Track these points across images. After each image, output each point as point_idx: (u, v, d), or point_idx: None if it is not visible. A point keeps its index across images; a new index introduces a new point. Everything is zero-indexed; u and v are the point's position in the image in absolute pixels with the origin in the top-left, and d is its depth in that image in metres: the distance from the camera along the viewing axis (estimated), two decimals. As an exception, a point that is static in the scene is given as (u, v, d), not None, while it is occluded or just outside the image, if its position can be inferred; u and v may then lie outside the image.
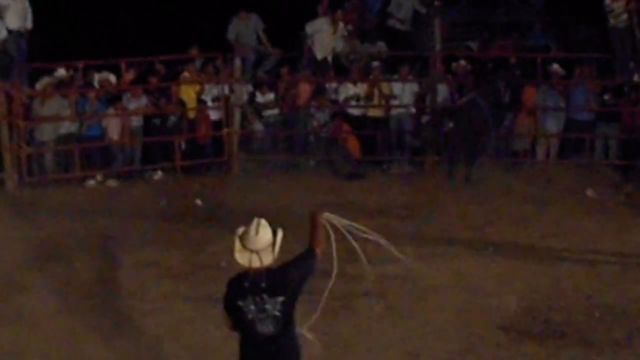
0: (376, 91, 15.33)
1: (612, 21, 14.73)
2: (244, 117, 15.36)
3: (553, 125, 15.01)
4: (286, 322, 5.56)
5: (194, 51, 15.50)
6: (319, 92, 15.51)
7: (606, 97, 14.74)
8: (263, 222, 5.61)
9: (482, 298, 9.34)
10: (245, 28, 15.39)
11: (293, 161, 15.14)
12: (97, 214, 12.49)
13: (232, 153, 15.03)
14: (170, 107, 14.89)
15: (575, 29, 17.40)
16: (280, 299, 5.49)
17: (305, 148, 15.41)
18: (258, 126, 15.43)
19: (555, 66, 15.03)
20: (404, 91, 15.34)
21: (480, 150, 14.16)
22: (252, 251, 5.52)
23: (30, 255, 10.77)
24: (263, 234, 5.56)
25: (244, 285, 5.54)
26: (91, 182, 14.23)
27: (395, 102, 15.36)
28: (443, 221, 12.09)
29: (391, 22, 17.29)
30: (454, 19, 17.91)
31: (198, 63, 15.63)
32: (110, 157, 14.60)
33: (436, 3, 17.13)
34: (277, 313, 5.49)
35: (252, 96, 15.48)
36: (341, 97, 15.47)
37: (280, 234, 5.62)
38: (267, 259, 5.55)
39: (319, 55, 15.65)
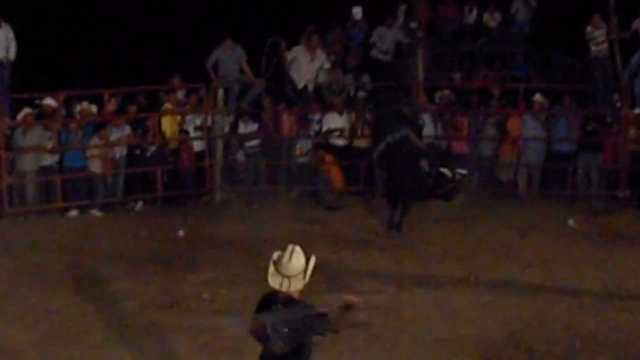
0: (361, 122, 15.33)
1: (593, 49, 14.81)
2: (226, 148, 15.36)
3: (534, 155, 15.05)
4: (294, 348, 5.84)
5: (176, 81, 15.51)
6: (302, 121, 15.55)
7: (589, 127, 14.79)
8: (297, 249, 5.92)
9: (465, 328, 9.32)
10: (228, 57, 15.40)
11: (275, 191, 15.12)
12: (78, 245, 12.43)
13: (214, 183, 15.01)
14: (154, 138, 14.85)
15: (557, 59, 17.51)
16: (285, 329, 5.78)
17: (287, 178, 15.41)
18: (240, 156, 15.43)
19: (538, 96, 15.11)
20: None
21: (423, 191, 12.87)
22: (284, 276, 5.87)
23: (6, 286, 10.68)
24: (296, 261, 5.89)
25: (271, 302, 5.91)
26: (73, 213, 14.16)
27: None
28: (425, 252, 12.10)
29: (374, 53, 17.41)
30: (437, 49, 18.01)
31: (180, 93, 15.65)
32: (93, 188, 14.53)
33: (419, 34, 17.28)
34: (285, 337, 5.79)
35: (234, 126, 15.48)
36: (325, 128, 15.44)
37: (312, 261, 5.94)
38: (297, 285, 5.91)
39: (299, 84, 15.68)
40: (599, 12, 14.64)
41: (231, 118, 15.56)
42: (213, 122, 15.14)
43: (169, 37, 19.22)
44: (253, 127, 15.42)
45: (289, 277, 5.88)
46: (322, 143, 15.24)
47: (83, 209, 14.25)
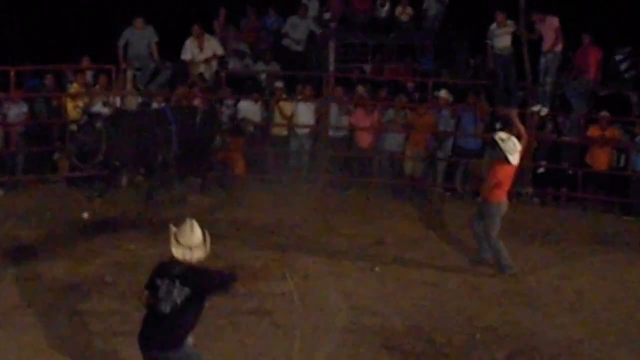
0: (277, 111, 15.34)
1: (496, 47, 14.99)
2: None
3: (441, 150, 15.22)
4: (183, 311, 6.45)
5: (85, 62, 15.27)
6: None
7: (497, 125, 15.00)
8: (195, 222, 6.59)
9: (368, 317, 9.41)
10: (138, 38, 15.23)
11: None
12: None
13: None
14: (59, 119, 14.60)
15: (465, 55, 17.71)
16: (187, 291, 6.40)
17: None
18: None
19: (443, 92, 15.27)
20: (303, 111, 15.38)
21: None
22: (187, 247, 6.48)
23: None
24: (196, 233, 6.54)
25: (168, 268, 6.51)
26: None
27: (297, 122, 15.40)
28: (332, 241, 12.15)
29: (286, 43, 17.42)
30: (349, 41, 18.09)
31: (89, 74, 15.41)
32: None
33: (332, 25, 17.33)
34: (178, 301, 6.39)
35: (146, 105, 15.20)
36: (240, 115, 15.33)
37: (208, 235, 6.60)
38: (200, 254, 6.55)
39: (194, 72, 15.62)
40: (507, 10, 14.82)
41: (139, 99, 15.37)
42: (123, 104, 14.92)
43: (80, 15, 18.85)
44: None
45: (191, 248, 6.47)
46: (233, 129, 15.16)
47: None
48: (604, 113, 14.47)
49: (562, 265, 11.46)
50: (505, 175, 10.87)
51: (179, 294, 6.42)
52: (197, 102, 15.07)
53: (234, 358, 8.42)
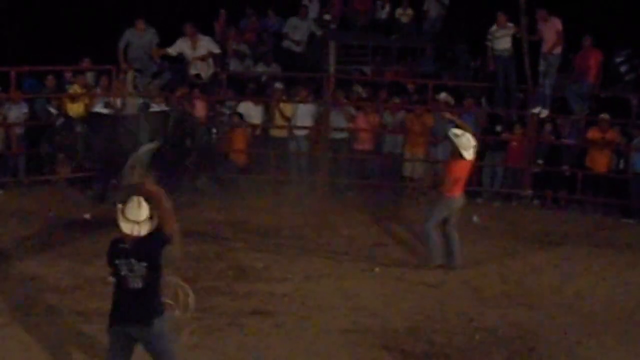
0: (277, 112, 15.38)
1: (496, 48, 14.99)
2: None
3: (441, 152, 15.23)
4: (151, 281, 6.79)
5: (85, 63, 15.29)
6: (214, 107, 15.53)
7: (498, 128, 15.04)
8: (142, 199, 6.85)
9: (368, 318, 9.43)
10: (139, 39, 15.24)
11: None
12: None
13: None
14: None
15: (466, 57, 17.74)
16: (144, 264, 6.73)
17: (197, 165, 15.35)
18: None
19: (444, 95, 15.29)
20: (302, 113, 15.39)
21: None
22: (134, 222, 6.79)
23: None
24: (143, 208, 6.82)
25: (119, 247, 6.83)
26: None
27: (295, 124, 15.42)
28: (332, 242, 12.20)
29: (286, 44, 17.45)
30: (349, 42, 18.12)
31: (90, 76, 15.44)
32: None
33: (332, 26, 17.37)
34: (143, 273, 6.73)
35: (146, 106, 15.23)
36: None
37: (155, 211, 6.84)
38: (145, 229, 6.81)
39: (192, 72, 15.62)
40: (508, 12, 14.84)
41: (140, 100, 15.38)
42: (123, 104, 14.93)
43: (80, 15, 18.88)
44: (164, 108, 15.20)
45: (138, 223, 6.78)
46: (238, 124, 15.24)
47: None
48: (604, 115, 14.49)
49: (561, 267, 11.48)
50: (461, 171, 11.02)
51: (139, 268, 6.75)
52: (197, 103, 15.13)
53: (235, 359, 8.44)
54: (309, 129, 15.36)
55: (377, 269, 11.08)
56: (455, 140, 10.86)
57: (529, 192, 14.71)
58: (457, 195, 11.08)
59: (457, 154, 10.91)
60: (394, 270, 11.07)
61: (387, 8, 18.31)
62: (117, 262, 6.81)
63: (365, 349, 8.73)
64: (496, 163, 15.01)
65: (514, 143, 14.88)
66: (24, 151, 14.55)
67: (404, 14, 18.15)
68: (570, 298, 10.38)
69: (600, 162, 14.48)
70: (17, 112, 14.46)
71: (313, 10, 18.01)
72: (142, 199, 6.86)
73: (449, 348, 8.84)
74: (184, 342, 8.43)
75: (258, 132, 15.57)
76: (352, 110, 15.36)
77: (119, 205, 6.90)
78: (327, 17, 17.98)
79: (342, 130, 15.31)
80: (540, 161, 14.77)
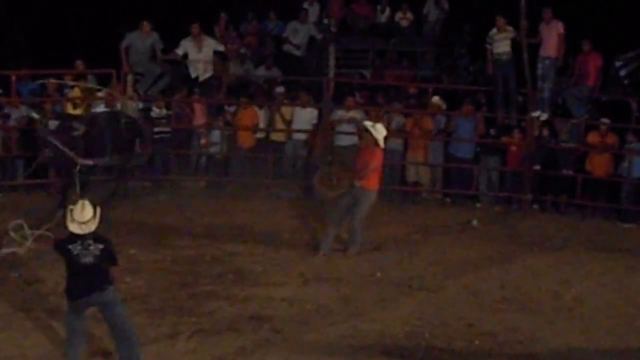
0: (278, 116, 15.35)
1: (496, 52, 14.98)
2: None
3: (437, 156, 15.23)
4: (100, 261, 7.73)
5: (79, 66, 15.25)
6: (214, 112, 15.52)
7: (492, 131, 15.03)
8: (86, 202, 7.78)
9: (367, 323, 9.40)
10: (142, 42, 15.20)
11: (182, 182, 15.06)
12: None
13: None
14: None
15: (465, 61, 17.74)
16: (101, 246, 7.73)
17: (197, 168, 15.35)
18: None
19: (436, 98, 15.27)
20: (299, 117, 15.36)
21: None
22: (80, 222, 7.67)
23: None
24: (87, 210, 7.70)
25: (75, 238, 7.69)
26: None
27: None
28: (331, 247, 12.14)
29: (287, 48, 17.45)
30: (349, 46, 18.11)
31: (91, 78, 15.41)
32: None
33: (332, 30, 17.35)
34: (97, 253, 7.70)
35: (147, 110, 15.21)
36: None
37: (98, 209, 7.78)
38: (91, 227, 7.72)
39: (192, 74, 15.59)
40: (508, 16, 14.83)
41: (140, 104, 15.35)
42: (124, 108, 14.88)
43: (81, 16, 18.90)
44: (164, 112, 15.18)
45: (85, 223, 7.66)
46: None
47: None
48: (604, 120, 14.47)
49: (561, 272, 11.46)
50: (379, 161, 11.57)
51: (95, 247, 7.70)
52: (198, 107, 15.14)
53: (234, 363, 8.43)
54: (307, 132, 15.30)
55: (378, 274, 11.04)
56: (372, 130, 11.37)
57: (529, 196, 14.67)
58: (377, 187, 11.62)
59: (372, 144, 11.41)
60: (393, 275, 11.03)
61: (387, 12, 18.33)
62: (70, 247, 7.69)
63: (364, 354, 8.70)
64: (491, 167, 14.98)
65: (514, 147, 14.85)
66: (22, 154, 14.50)
67: (404, 18, 18.17)
68: (570, 303, 10.35)
69: (600, 166, 14.46)
70: (17, 116, 14.42)
71: (313, 14, 18.00)
72: (86, 202, 7.79)
73: (449, 353, 8.81)
74: (181, 347, 8.42)
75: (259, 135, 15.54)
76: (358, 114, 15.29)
77: (70, 207, 7.81)
78: (327, 20, 17.96)
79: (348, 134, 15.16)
80: (537, 166, 14.72)
